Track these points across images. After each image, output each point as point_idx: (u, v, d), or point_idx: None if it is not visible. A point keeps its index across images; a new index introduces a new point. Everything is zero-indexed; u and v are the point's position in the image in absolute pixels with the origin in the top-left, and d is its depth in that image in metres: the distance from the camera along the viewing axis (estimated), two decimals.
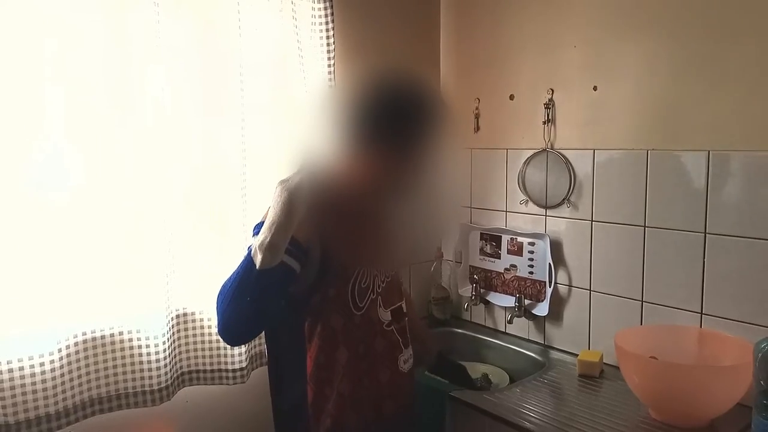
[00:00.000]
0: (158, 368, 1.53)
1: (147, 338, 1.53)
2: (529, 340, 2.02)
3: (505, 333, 2.11)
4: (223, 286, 1.15)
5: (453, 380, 1.69)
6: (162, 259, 1.53)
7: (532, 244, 1.96)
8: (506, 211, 2.06)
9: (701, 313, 1.59)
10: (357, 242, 1.28)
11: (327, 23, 1.81)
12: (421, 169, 1.23)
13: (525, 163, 1.96)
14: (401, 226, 1.37)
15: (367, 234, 1.32)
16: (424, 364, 1.67)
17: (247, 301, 1.11)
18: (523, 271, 2.00)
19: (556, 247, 1.91)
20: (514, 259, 2.03)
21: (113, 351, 1.51)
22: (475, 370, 1.88)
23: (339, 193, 1.24)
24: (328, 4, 1.81)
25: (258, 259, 1.09)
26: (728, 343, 1.48)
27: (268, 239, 1.09)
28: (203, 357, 1.66)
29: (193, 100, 1.59)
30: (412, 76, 1.27)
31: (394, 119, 1.19)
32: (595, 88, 1.76)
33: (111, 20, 1.43)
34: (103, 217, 1.46)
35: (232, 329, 1.15)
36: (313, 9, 1.79)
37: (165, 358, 1.54)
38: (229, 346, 1.64)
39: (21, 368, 1.35)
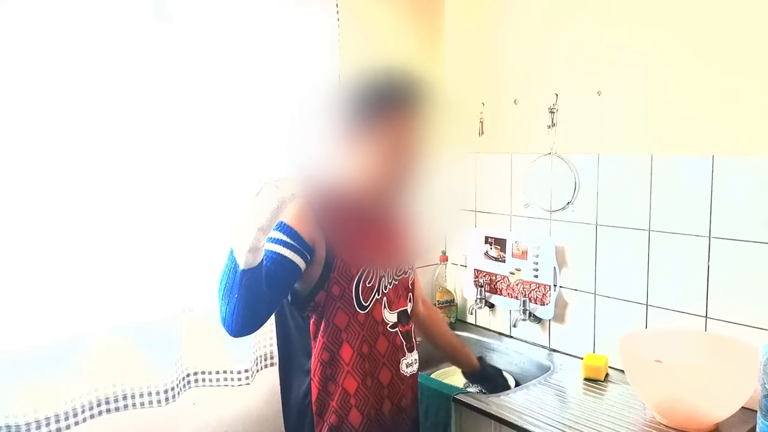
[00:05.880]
0: (163, 369, 1.54)
1: (153, 339, 1.53)
2: (534, 344, 2.03)
3: (509, 336, 2.11)
4: (219, 282, 1.15)
5: (491, 386, 1.70)
6: (168, 259, 1.54)
7: (536, 247, 1.97)
8: (511, 215, 2.07)
9: (706, 317, 1.59)
10: (361, 241, 1.30)
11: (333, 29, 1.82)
12: (422, 151, 1.27)
13: (530, 167, 1.97)
14: (405, 222, 1.41)
15: (371, 232, 1.33)
16: (469, 379, 1.73)
17: (236, 298, 1.11)
18: (527, 275, 2.01)
19: (561, 251, 1.92)
20: (518, 263, 2.03)
21: (119, 351, 1.51)
22: None
23: (343, 191, 1.28)
24: (334, 11, 1.82)
25: (242, 261, 1.09)
26: (733, 347, 1.48)
27: (250, 242, 1.07)
28: (208, 358, 1.67)
29: (207, 98, 1.60)
30: (404, 65, 1.35)
31: (392, 95, 1.25)
32: (599, 93, 1.77)
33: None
34: (105, 215, 1.47)
35: (231, 323, 1.15)
36: (320, 20, 1.80)
37: (170, 359, 1.55)
38: (233, 347, 1.65)
39: (27, 369, 1.36)
